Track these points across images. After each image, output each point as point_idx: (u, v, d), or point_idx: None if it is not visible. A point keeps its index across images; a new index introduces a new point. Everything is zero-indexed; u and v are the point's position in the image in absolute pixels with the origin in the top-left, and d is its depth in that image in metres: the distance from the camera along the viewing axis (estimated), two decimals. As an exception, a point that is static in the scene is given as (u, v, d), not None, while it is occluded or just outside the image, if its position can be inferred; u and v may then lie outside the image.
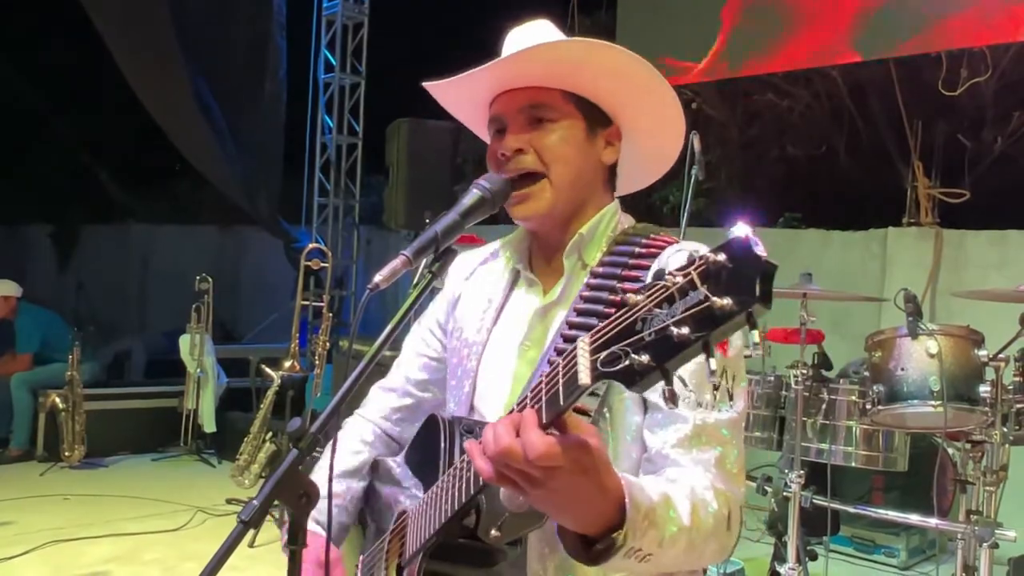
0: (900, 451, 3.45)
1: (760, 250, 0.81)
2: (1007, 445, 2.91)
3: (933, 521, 3.44)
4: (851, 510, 3.63)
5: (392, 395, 1.60)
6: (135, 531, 4.84)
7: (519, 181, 1.36)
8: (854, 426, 3.38)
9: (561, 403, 0.94)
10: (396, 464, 1.49)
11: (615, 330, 0.89)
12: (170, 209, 11.77)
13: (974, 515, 2.95)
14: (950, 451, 3.55)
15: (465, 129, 1.58)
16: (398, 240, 7.95)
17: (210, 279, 6.58)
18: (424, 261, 1.26)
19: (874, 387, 2.94)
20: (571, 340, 1.31)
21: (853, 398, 3.33)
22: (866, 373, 3.17)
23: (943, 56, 5.19)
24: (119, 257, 11.64)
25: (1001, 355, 2.83)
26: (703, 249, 0.84)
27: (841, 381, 3.45)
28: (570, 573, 1.30)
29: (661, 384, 0.86)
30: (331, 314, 5.77)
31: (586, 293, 1.35)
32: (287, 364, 5.73)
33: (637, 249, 1.35)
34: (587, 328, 1.30)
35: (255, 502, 1.06)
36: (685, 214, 3.37)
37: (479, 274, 1.54)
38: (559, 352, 1.31)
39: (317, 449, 1.14)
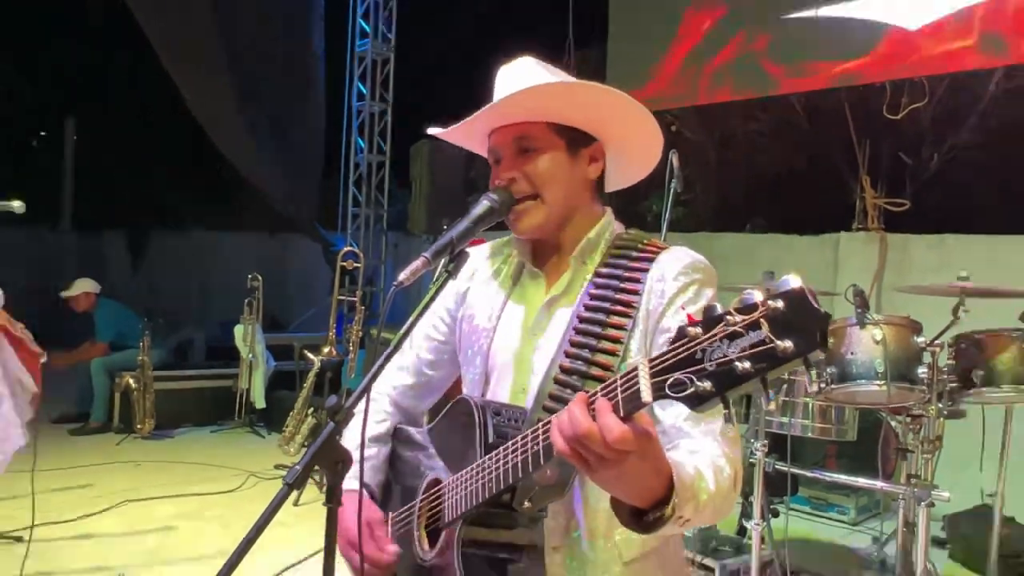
0: (850, 424, 3.44)
1: (816, 301, 0.80)
2: (941, 419, 2.90)
3: (878, 484, 3.43)
4: (808, 474, 3.61)
5: (404, 374, 1.58)
6: (197, 492, 4.87)
7: (519, 200, 1.36)
8: (810, 402, 3.37)
9: (620, 414, 0.95)
10: (417, 432, 1.48)
11: (676, 357, 0.89)
12: (226, 218, 11.81)
13: (913, 478, 2.95)
14: (893, 424, 3.53)
15: (476, 150, 1.58)
16: (420, 243, 7.93)
17: (260, 277, 6.59)
18: (442, 261, 1.26)
19: (828, 369, 2.93)
20: (583, 332, 1.32)
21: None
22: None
23: (887, 85, 5.17)
24: (183, 258, 11.68)
25: (937, 341, 2.81)
26: (756, 294, 0.84)
27: (799, 364, 3.44)
28: (576, 532, 1.31)
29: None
30: (363, 307, 5.78)
31: (593, 291, 1.34)
32: (326, 350, 5.75)
33: (634, 253, 1.36)
34: (595, 322, 1.32)
35: (298, 467, 1.07)
36: (665, 221, 3.36)
37: (486, 267, 1.52)
38: (573, 344, 1.31)
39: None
